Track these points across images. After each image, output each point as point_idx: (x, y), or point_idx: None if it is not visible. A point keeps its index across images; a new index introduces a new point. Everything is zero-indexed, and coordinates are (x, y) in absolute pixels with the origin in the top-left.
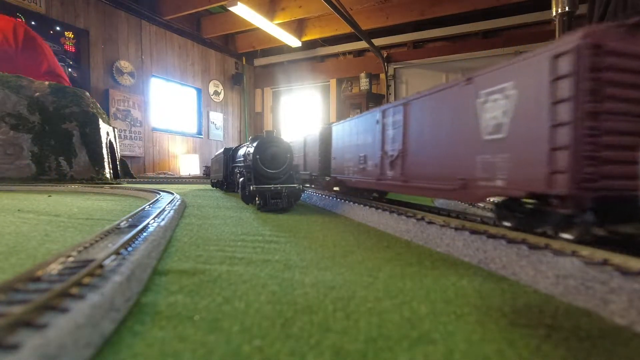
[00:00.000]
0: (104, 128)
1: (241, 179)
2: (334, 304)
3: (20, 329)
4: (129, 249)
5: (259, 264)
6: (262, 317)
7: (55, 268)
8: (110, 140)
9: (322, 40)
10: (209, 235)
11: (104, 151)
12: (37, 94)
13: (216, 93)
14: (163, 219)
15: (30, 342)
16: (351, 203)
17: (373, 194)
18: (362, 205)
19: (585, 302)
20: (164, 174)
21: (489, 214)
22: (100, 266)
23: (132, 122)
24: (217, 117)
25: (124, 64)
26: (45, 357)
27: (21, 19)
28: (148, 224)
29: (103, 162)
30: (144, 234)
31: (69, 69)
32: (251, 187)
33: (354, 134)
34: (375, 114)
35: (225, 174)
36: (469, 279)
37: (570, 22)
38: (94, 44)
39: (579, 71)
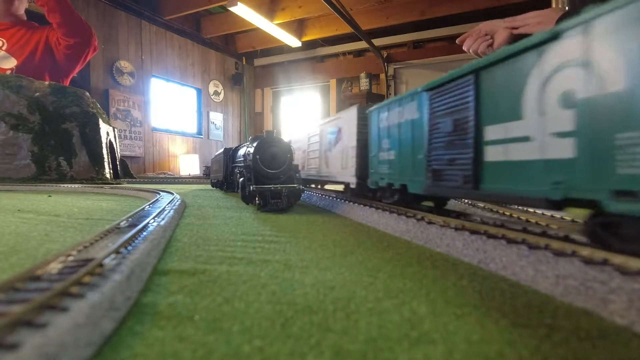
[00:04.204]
0: (104, 128)
1: (241, 179)
2: (334, 304)
3: (21, 328)
4: (129, 248)
5: (259, 264)
6: (262, 317)
7: (55, 267)
8: (110, 140)
9: (322, 40)
10: (209, 235)
11: (104, 151)
12: (37, 94)
13: (216, 93)
14: (163, 219)
15: (30, 341)
16: (351, 203)
17: None
18: (362, 206)
19: (585, 302)
20: (164, 174)
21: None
22: (100, 265)
23: (132, 122)
24: (217, 117)
25: (124, 64)
26: (46, 357)
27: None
28: (148, 223)
29: (103, 162)
30: (144, 233)
31: None
32: (251, 187)
33: None
34: None
35: (225, 174)
36: (469, 279)
37: None
38: None
39: None
